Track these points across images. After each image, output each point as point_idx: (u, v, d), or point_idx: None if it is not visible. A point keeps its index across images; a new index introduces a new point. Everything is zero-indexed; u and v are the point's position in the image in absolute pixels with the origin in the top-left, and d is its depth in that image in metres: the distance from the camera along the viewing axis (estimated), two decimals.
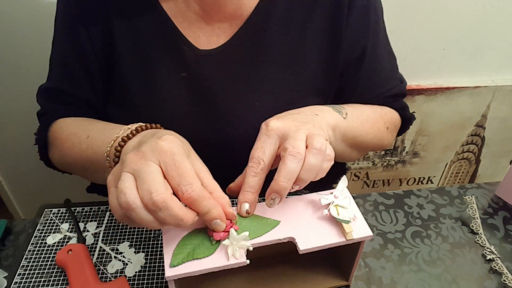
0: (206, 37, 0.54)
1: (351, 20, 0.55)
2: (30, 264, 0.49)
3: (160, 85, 0.54)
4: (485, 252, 0.53)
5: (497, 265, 0.51)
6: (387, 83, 0.63)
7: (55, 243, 0.51)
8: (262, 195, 0.58)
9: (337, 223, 0.42)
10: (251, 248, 0.39)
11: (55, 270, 0.48)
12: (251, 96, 0.55)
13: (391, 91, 0.63)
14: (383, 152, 1.27)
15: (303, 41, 0.55)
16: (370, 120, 0.58)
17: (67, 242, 0.52)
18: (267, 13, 0.53)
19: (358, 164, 1.29)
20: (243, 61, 0.54)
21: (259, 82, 0.55)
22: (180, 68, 0.54)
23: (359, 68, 0.59)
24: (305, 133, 0.42)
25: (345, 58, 0.57)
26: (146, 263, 0.49)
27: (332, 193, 0.43)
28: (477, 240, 0.55)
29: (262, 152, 0.41)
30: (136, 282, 0.47)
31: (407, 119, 0.67)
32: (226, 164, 0.51)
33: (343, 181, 0.44)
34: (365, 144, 0.58)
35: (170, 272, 0.37)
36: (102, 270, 0.49)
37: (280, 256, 0.49)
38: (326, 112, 0.51)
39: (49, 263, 0.49)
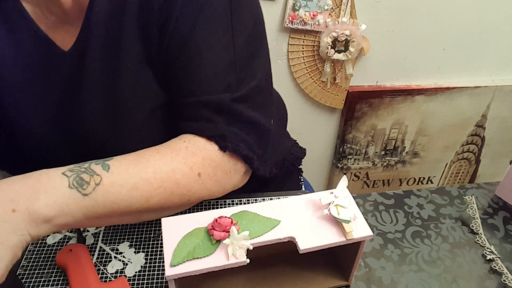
0: (71, 38, 0.54)
1: None
2: (30, 264, 0.49)
3: (31, 92, 0.55)
4: (485, 252, 0.53)
5: (497, 265, 0.51)
6: (204, 82, 0.51)
7: (55, 243, 0.51)
8: (260, 194, 0.59)
9: (337, 223, 0.42)
10: (251, 248, 0.39)
11: (55, 270, 0.48)
12: (81, 92, 0.54)
13: (209, 97, 0.51)
14: (383, 152, 1.27)
15: (123, 25, 0.52)
16: (157, 177, 0.46)
17: (67, 242, 0.52)
18: (91, 3, 0.52)
19: (358, 164, 1.29)
20: (79, 57, 0.54)
21: (86, 76, 0.54)
22: (48, 71, 0.55)
23: (168, 47, 0.51)
24: None
25: (156, 25, 0.51)
26: (146, 263, 0.49)
27: (332, 193, 0.43)
28: (477, 240, 0.55)
29: None
30: (136, 282, 0.47)
31: (223, 145, 0.50)
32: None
33: (343, 181, 0.44)
34: (156, 206, 0.46)
35: (170, 271, 0.37)
36: (102, 270, 0.49)
37: (280, 256, 0.49)
38: (45, 199, 0.40)
39: (49, 263, 0.49)
